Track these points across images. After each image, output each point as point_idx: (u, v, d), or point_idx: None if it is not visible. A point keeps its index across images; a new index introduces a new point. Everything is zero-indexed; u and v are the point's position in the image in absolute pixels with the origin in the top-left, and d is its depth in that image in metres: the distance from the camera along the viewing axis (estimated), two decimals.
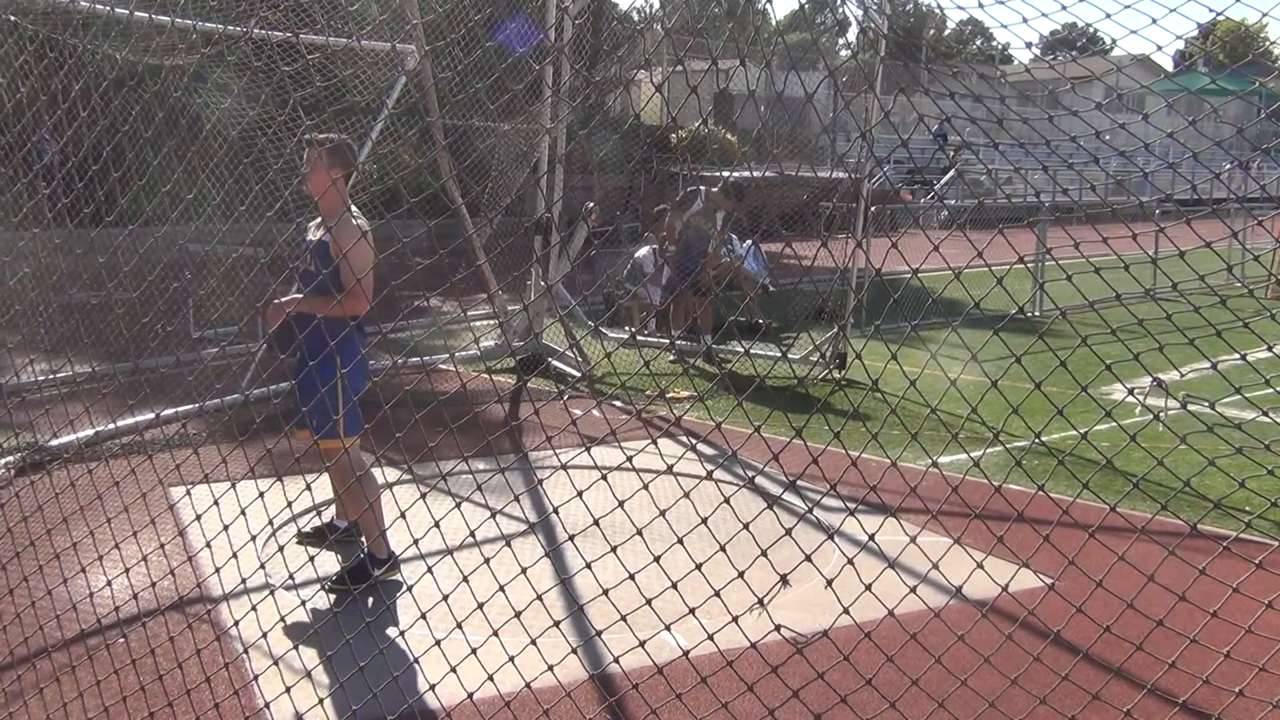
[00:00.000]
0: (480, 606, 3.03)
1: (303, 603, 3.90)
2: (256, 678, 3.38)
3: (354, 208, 4.57)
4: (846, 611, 2.72)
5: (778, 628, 2.82)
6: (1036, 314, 12.25)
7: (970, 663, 3.16)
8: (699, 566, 2.80)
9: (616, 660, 3.16)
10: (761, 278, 11.97)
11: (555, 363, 9.50)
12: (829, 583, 2.72)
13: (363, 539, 4.77)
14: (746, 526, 2.77)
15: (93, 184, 4.13)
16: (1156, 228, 4.28)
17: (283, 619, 3.42)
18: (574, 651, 3.18)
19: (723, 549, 2.68)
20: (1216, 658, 2.79)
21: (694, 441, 6.61)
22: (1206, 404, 3.54)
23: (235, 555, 3.22)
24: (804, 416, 3.85)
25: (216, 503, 3.24)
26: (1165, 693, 3.31)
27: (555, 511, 3.22)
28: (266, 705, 3.40)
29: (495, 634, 2.98)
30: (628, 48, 13.07)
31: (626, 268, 11.84)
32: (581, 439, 3.58)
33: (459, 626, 2.97)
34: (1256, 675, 2.89)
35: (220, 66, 7.67)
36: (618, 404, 8.47)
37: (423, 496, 3.12)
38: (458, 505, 3.26)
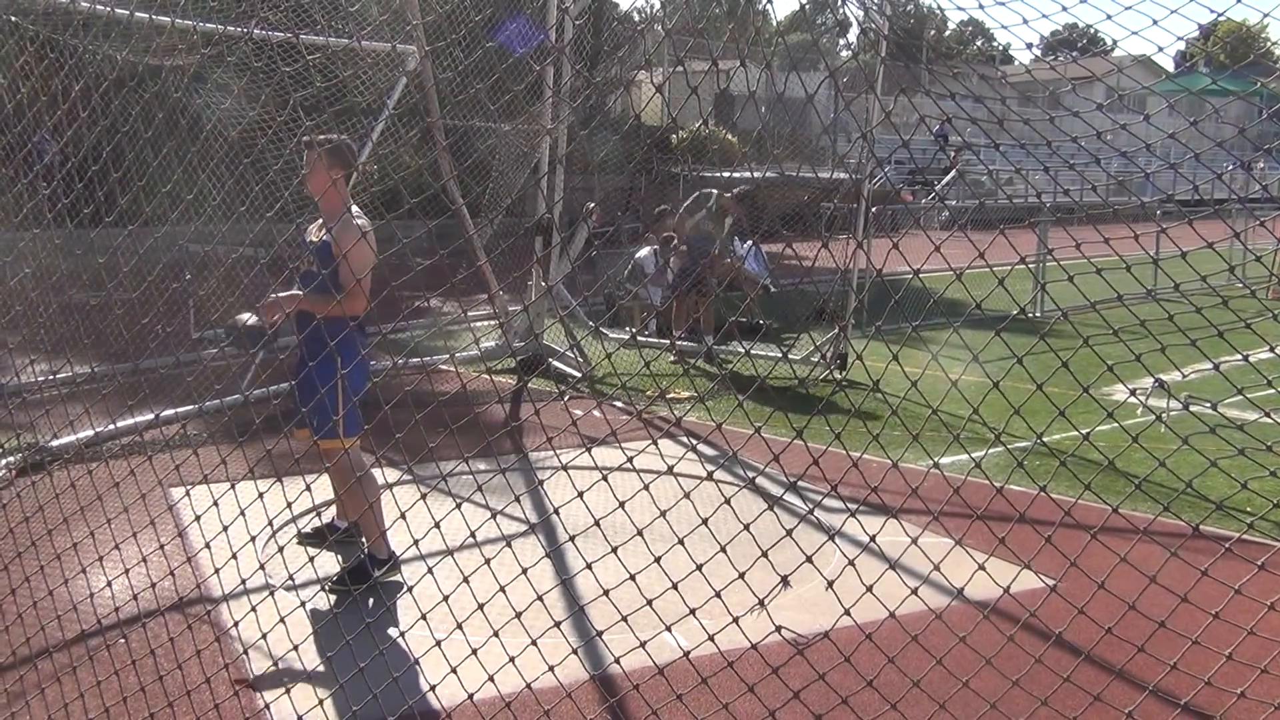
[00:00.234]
0: (481, 607, 3.03)
1: (303, 603, 3.89)
2: (257, 678, 3.38)
3: (355, 208, 4.57)
4: (847, 613, 2.72)
5: (778, 629, 2.82)
6: (1038, 315, 12.25)
7: (972, 664, 3.16)
8: (700, 567, 2.80)
9: (617, 661, 3.16)
10: (762, 278, 11.97)
11: (556, 363, 9.50)
12: (830, 584, 2.71)
13: (363, 539, 4.76)
14: (747, 527, 2.77)
15: (93, 184, 4.13)
16: (1158, 228, 4.29)
17: (283, 620, 3.41)
18: (575, 652, 3.18)
19: (723, 550, 2.68)
20: (1218, 659, 2.78)
21: (695, 442, 6.60)
22: (1208, 405, 3.53)
23: (235, 556, 3.21)
24: (805, 417, 3.85)
25: (216, 503, 3.24)
26: (1167, 694, 3.30)
27: (556, 512, 3.21)
28: (267, 706, 3.40)
29: (496, 634, 2.98)
30: (628, 48, 13.06)
31: (627, 268, 11.84)
32: (582, 439, 3.58)
33: (459, 627, 2.96)
34: (1258, 677, 2.88)
35: (220, 67, 7.68)
36: (618, 404, 8.47)
37: (423, 497, 3.11)
38: (458, 506, 3.26)
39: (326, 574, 4.63)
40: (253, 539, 3.31)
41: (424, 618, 3.21)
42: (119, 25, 6.34)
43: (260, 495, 3.33)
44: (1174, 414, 3.63)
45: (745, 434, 6.71)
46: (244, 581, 3.43)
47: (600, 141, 14.49)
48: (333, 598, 4.46)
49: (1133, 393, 3.17)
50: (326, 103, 7.09)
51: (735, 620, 2.76)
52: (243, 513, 3.24)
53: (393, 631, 4.12)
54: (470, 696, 3.01)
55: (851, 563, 2.72)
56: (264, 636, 3.26)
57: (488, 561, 3.04)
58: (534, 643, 2.96)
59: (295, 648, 3.17)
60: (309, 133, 4.43)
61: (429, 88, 7.76)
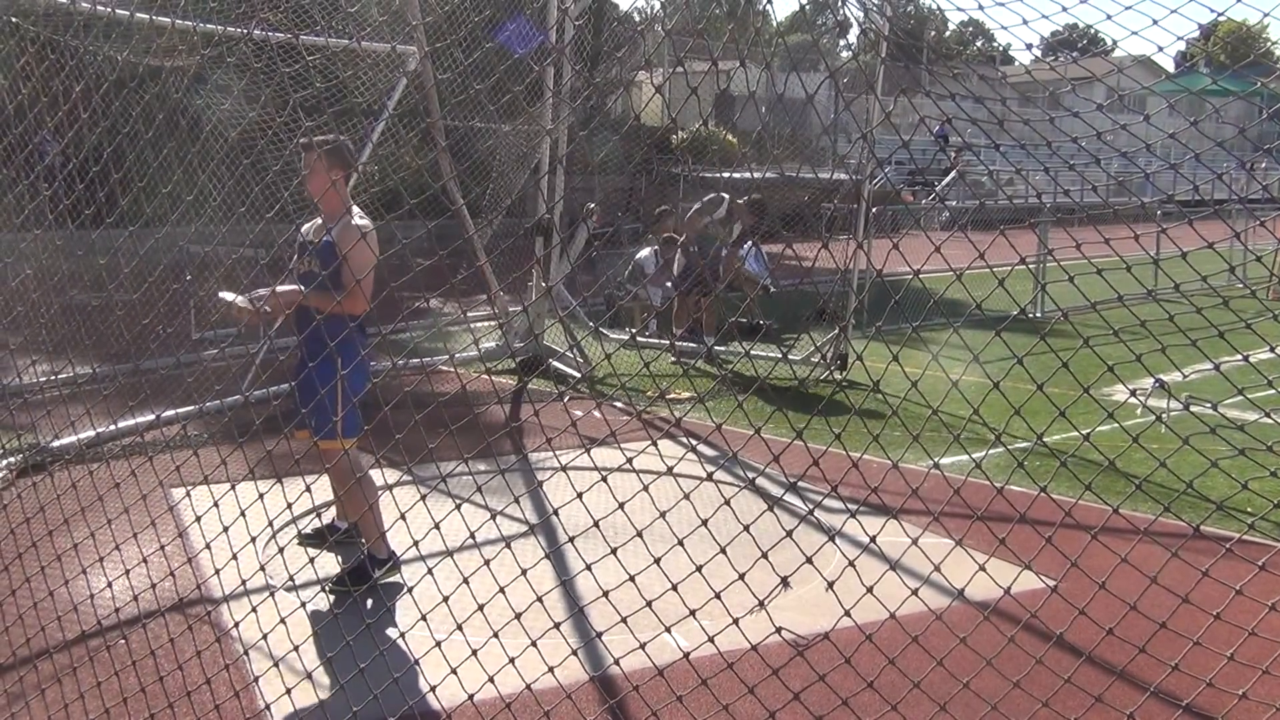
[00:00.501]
0: (481, 608, 3.03)
1: (303, 604, 3.90)
2: (257, 679, 3.38)
3: (356, 208, 4.57)
4: (848, 613, 2.72)
5: (779, 629, 2.82)
6: (1038, 315, 12.25)
7: (972, 665, 3.16)
8: (700, 568, 2.80)
9: (617, 662, 3.16)
10: (762, 279, 11.97)
11: (556, 364, 9.49)
12: (830, 584, 2.71)
13: (363, 540, 4.76)
14: (747, 528, 2.77)
15: (93, 185, 4.13)
16: (1158, 228, 4.28)
17: (283, 620, 3.41)
18: (574, 653, 3.18)
19: (723, 550, 2.68)
20: (1220, 660, 2.78)
21: (694, 442, 6.60)
22: (1209, 405, 3.53)
23: (235, 556, 3.22)
24: (805, 417, 3.85)
25: (217, 504, 3.24)
26: (1168, 695, 3.30)
27: (556, 513, 3.21)
28: (267, 707, 3.40)
29: (496, 635, 2.98)
30: (628, 49, 13.07)
31: (627, 269, 11.84)
32: (582, 440, 3.58)
33: (459, 628, 2.96)
34: (1260, 678, 2.88)
35: (220, 68, 7.67)
36: (618, 405, 8.46)
37: (423, 498, 3.12)
38: (458, 506, 3.26)
39: (327, 575, 4.63)
40: (253, 540, 3.31)
41: (424, 618, 3.21)
42: (119, 26, 6.34)
43: (260, 496, 3.33)
44: (1174, 414, 3.64)
45: (745, 434, 6.70)
46: (244, 582, 3.44)
47: (600, 142, 14.49)
48: (333, 598, 4.46)
49: (1133, 393, 3.17)
50: (326, 103, 7.10)
51: (735, 621, 2.76)
52: (243, 513, 3.25)
53: (393, 632, 4.11)
54: (470, 697, 3.01)
55: (852, 563, 2.72)
56: (264, 637, 3.26)
57: (487, 562, 3.04)
58: (534, 643, 2.96)
59: (296, 648, 3.17)
60: (309, 134, 4.43)
61: (429, 88, 7.76)
